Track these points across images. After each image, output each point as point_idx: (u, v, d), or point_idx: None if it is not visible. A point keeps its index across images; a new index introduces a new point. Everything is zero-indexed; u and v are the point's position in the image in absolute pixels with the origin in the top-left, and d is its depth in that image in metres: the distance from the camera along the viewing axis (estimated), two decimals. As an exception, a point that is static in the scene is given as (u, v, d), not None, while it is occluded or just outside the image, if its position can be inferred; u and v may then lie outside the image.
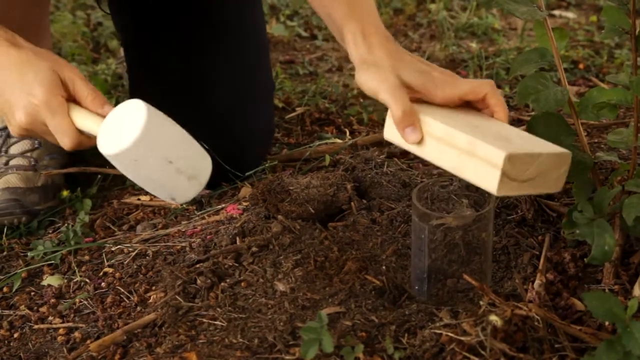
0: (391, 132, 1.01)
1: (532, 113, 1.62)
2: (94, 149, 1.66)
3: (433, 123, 0.96)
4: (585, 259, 1.03)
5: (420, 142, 0.98)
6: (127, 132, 0.93)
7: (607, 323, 0.94)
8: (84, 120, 1.01)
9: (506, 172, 0.88)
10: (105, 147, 0.95)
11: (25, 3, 1.36)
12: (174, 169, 0.96)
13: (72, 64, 2.14)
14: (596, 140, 1.43)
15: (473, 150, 0.91)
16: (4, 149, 1.47)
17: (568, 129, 1.09)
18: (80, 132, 1.01)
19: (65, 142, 1.00)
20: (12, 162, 1.45)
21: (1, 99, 1.03)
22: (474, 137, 0.91)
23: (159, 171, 0.96)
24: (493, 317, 0.86)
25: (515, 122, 1.65)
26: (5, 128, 1.48)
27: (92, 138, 1.01)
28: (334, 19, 1.14)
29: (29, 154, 1.46)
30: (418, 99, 1.03)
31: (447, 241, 1.00)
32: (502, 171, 0.87)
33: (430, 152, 0.98)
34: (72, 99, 1.03)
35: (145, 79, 1.49)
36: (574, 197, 1.09)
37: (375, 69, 1.03)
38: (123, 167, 0.96)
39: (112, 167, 1.52)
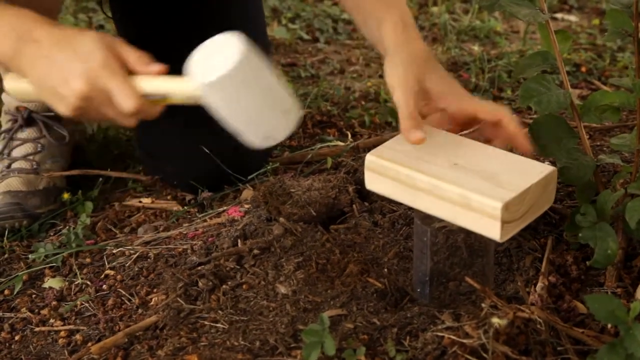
0: (373, 183, 1.01)
1: (535, 116, 1.62)
2: (100, 148, 1.66)
3: (418, 176, 0.95)
4: (587, 262, 1.03)
5: (412, 195, 0.96)
6: (228, 57, 0.88)
7: (609, 326, 0.94)
8: (141, 81, 0.96)
9: (505, 220, 0.89)
10: (205, 75, 0.89)
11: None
12: (272, 99, 0.92)
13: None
14: (598, 143, 1.43)
15: (467, 203, 0.91)
16: (6, 151, 1.47)
17: (570, 131, 1.09)
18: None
19: (129, 104, 0.96)
20: (14, 165, 1.45)
21: (47, 81, 0.99)
22: (464, 190, 0.91)
23: (259, 100, 0.91)
24: (495, 320, 0.85)
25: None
26: (10, 130, 1.49)
27: (152, 102, 0.98)
28: (369, 10, 1.16)
29: (31, 157, 1.46)
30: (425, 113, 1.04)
31: (449, 244, 0.99)
32: (502, 220, 0.88)
33: (422, 204, 0.96)
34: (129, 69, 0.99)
35: None
36: (577, 199, 1.09)
37: (402, 67, 1.04)
38: (223, 97, 0.90)
39: (114, 169, 1.53)
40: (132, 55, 0.99)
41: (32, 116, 1.49)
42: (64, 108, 1.00)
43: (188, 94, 0.95)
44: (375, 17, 1.15)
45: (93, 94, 0.97)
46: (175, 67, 1.44)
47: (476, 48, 2.21)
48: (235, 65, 0.88)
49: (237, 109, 0.92)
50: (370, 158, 1.00)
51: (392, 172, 0.97)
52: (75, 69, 0.97)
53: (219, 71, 0.88)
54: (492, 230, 0.90)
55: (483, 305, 0.91)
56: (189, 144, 1.41)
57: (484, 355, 0.85)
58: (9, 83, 1.07)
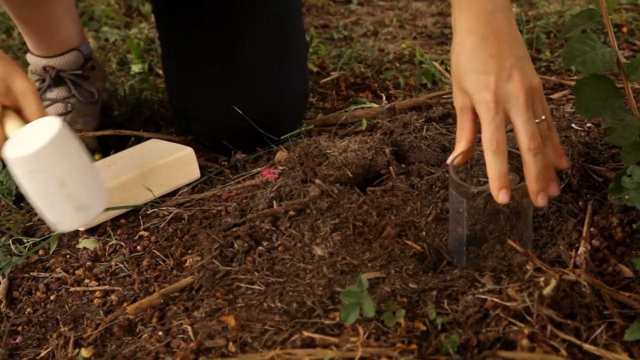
0: None
1: (575, 78, 1.58)
2: (131, 109, 1.64)
3: None
4: (633, 225, 1.00)
5: None
6: (34, 142, 0.94)
7: (656, 290, 0.91)
8: (15, 129, 1.03)
9: None
10: (6, 151, 0.96)
11: None
12: (65, 193, 0.97)
13: (97, 37, 2.12)
14: (642, 105, 1.39)
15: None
16: (37, 111, 1.46)
17: (616, 91, 1.05)
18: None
19: None
20: (46, 126, 1.44)
21: None
22: None
23: (50, 190, 0.97)
24: (542, 283, 0.83)
25: (557, 87, 1.60)
26: (38, 90, 1.47)
27: None
28: None
29: (62, 118, 1.45)
30: None
31: (486, 210, 0.97)
32: None
33: None
34: (17, 109, 1.05)
35: (176, 37, 1.47)
36: (622, 161, 1.05)
37: None
38: (19, 175, 0.97)
39: (146, 130, 1.52)
40: (37, 113, 1.05)
41: (60, 75, 1.47)
42: None
43: None
44: None
45: None
46: (204, 20, 1.42)
47: (514, 9, 2.15)
48: (30, 153, 0.94)
49: (29, 189, 0.98)
50: None
51: None
52: None
53: (17, 152, 0.95)
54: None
55: (528, 267, 0.88)
56: (220, 104, 1.39)
57: (528, 318, 0.83)
58: None
